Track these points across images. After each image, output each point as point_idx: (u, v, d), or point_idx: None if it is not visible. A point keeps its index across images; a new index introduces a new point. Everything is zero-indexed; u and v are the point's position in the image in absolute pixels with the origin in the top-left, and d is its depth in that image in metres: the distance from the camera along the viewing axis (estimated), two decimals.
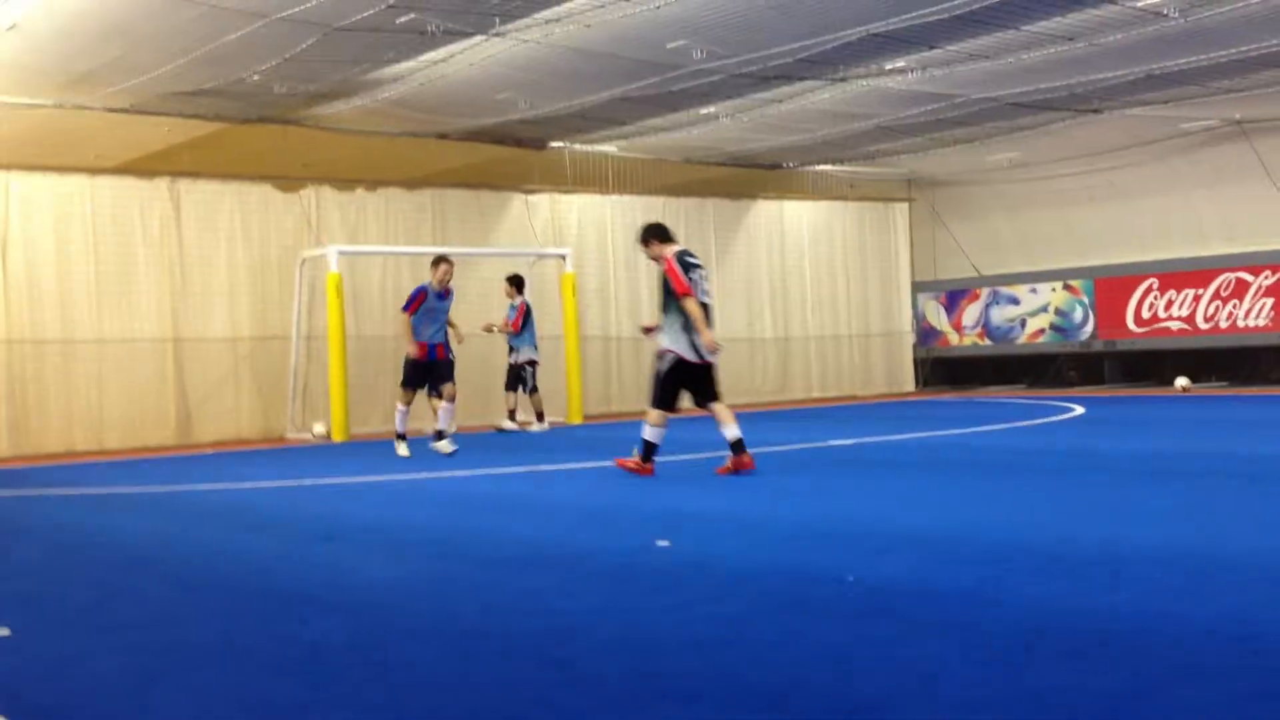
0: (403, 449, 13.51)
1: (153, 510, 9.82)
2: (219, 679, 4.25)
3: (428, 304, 13.45)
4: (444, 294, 13.61)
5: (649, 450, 10.21)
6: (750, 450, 10.23)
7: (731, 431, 10.15)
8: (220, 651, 4.68)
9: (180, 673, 4.37)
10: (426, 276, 14.29)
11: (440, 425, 13.56)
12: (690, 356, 10.15)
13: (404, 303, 13.73)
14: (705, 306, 10.20)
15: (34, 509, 10.43)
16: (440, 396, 13.56)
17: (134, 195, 16.91)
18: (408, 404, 13.72)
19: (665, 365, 10.20)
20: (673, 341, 10.18)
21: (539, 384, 17.52)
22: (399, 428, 13.77)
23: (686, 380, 10.28)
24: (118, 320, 16.75)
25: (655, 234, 10.55)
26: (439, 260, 13.79)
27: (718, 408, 10.31)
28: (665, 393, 10.20)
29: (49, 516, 9.81)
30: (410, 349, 13.38)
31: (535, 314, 17.89)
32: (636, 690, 3.89)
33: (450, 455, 13.08)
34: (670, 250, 10.36)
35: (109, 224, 16.69)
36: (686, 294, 10.04)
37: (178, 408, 17.12)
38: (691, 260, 10.35)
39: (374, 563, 6.74)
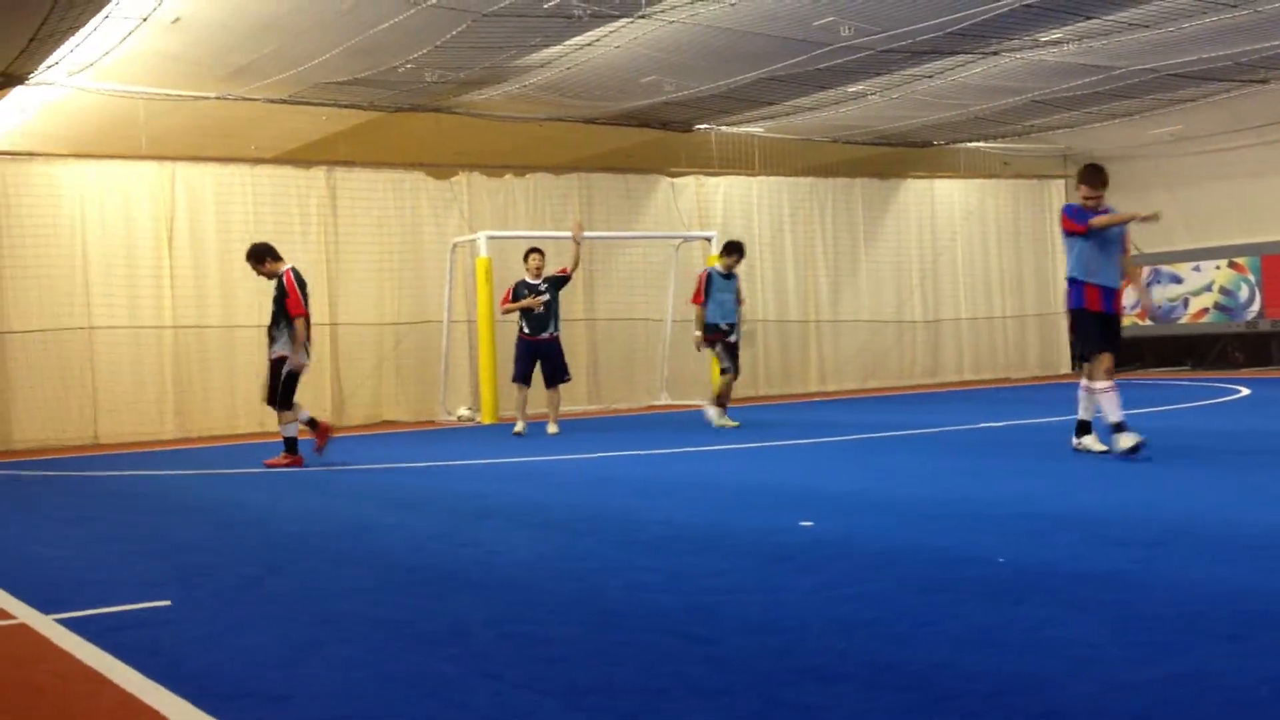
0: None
1: (311, 489, 10.07)
2: (365, 652, 4.32)
3: None
4: None
5: (289, 444, 11.58)
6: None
7: (304, 413, 11.75)
8: (368, 626, 4.77)
9: (329, 645, 4.47)
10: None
11: (1116, 418, 9.20)
12: (303, 361, 11.55)
13: None
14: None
15: (198, 488, 10.77)
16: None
17: (292, 185, 17.36)
18: None
19: (285, 369, 11.50)
20: (285, 348, 11.48)
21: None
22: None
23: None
24: None
25: (269, 253, 11.70)
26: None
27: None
28: (286, 393, 11.56)
29: (213, 495, 10.12)
30: None
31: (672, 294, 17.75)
32: (779, 670, 3.85)
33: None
34: (284, 268, 11.57)
35: (269, 213, 17.15)
36: (300, 314, 11.37)
37: (333, 390, 17.54)
38: (303, 279, 11.66)
39: (519, 541, 6.80)
